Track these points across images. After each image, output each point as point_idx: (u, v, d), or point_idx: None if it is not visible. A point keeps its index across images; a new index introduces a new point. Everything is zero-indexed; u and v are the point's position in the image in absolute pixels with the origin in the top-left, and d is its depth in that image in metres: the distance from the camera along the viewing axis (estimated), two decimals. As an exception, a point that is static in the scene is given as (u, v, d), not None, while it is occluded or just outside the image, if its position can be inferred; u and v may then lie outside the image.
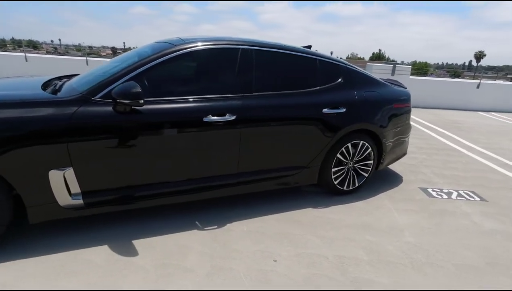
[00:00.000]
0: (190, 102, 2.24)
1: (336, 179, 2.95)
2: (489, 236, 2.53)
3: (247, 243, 2.23)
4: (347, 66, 2.98)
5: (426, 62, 56.54)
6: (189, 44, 2.34)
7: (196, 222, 2.44)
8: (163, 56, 2.21)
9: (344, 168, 2.98)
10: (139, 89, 1.94)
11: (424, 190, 3.33)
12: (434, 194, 3.26)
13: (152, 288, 1.76)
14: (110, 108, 2.02)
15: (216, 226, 2.41)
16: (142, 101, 1.95)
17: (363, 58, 53.99)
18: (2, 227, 1.92)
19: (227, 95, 2.36)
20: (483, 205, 3.08)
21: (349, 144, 2.88)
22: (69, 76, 2.78)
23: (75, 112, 1.95)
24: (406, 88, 3.50)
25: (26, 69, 8.47)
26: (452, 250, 2.31)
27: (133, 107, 2.02)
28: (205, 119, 2.23)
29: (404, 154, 3.55)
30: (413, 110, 7.85)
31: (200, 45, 2.36)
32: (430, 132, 5.98)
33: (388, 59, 52.26)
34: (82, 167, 2.00)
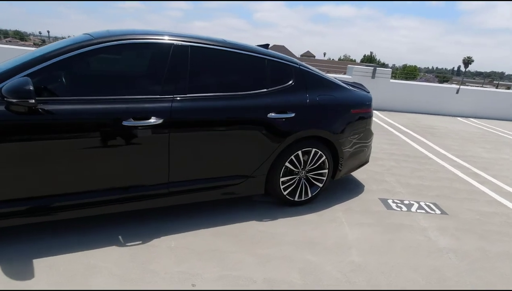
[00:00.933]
0: (106, 102, 1.97)
1: (285, 189, 2.72)
2: (441, 255, 2.34)
3: (169, 262, 1.98)
4: (301, 67, 2.76)
5: (415, 66, 57.09)
6: (113, 37, 2.07)
7: (119, 237, 2.18)
8: (76, 50, 1.94)
9: (295, 177, 2.75)
10: (30, 87, 1.66)
11: (384, 201, 3.14)
12: (393, 205, 3.07)
13: None
14: (3, 107, 1.74)
15: (140, 242, 2.16)
16: (33, 101, 1.68)
17: (355, 60, 54.24)
18: None
19: (154, 96, 2.11)
20: (442, 218, 2.91)
21: (300, 152, 2.66)
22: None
23: (-41, 112, 1.66)
24: (369, 92, 3.31)
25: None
26: (398, 272, 2.11)
27: (31, 107, 1.75)
28: (124, 122, 1.97)
29: (365, 162, 3.35)
30: (390, 114, 7.75)
31: (125, 39, 2.09)
32: (404, 138, 5.83)
33: (379, 62, 52.62)
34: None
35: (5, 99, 1.69)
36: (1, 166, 1.78)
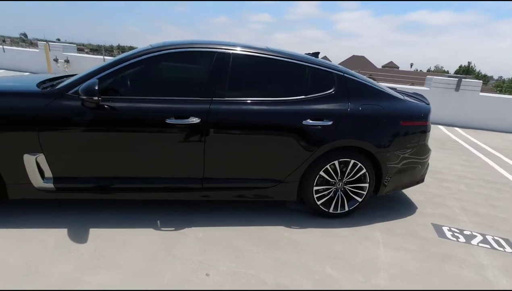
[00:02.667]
0: (154, 102, 2.28)
1: (319, 198, 2.66)
2: (496, 299, 1.96)
3: (192, 251, 2.15)
4: (345, 75, 2.67)
5: (530, 79, 47.35)
6: (165, 47, 2.39)
7: (158, 221, 2.47)
8: (135, 58, 2.31)
9: (330, 188, 2.66)
10: (95, 88, 2.05)
11: (437, 227, 2.76)
12: (448, 234, 2.69)
13: (82, 276, 1.82)
14: (79, 103, 2.18)
15: (173, 228, 2.40)
16: (97, 98, 2.06)
17: (447, 72, 48.09)
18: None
19: (194, 98, 2.33)
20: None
21: (336, 162, 2.56)
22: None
23: (48, 104, 2.15)
24: (428, 104, 2.97)
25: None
26: (430, 306, 1.85)
27: (97, 103, 2.15)
28: (167, 120, 2.25)
29: (419, 181, 3.02)
30: (477, 133, 6.77)
31: (175, 48, 2.39)
32: (487, 160, 4.97)
33: (479, 74, 45.50)
34: (52, 153, 2.20)
35: (80, 96, 2.11)
36: (75, 149, 2.22)
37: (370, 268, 2.15)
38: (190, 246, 2.21)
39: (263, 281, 1.93)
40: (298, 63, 2.60)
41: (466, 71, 49.84)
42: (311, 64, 2.62)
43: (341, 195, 2.70)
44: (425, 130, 2.79)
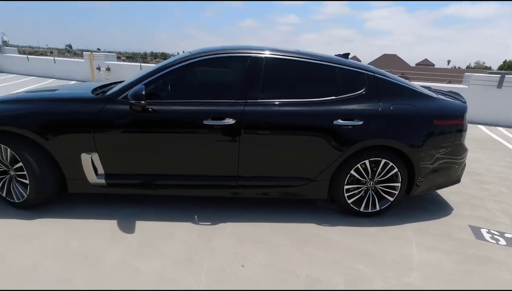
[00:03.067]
0: (193, 105, 2.47)
1: (350, 197, 2.70)
2: (539, 304, 1.89)
3: (228, 244, 2.30)
4: (376, 75, 2.69)
5: None
6: (202, 53, 2.57)
7: (195, 216, 2.65)
8: (175, 65, 2.52)
9: (361, 187, 2.69)
10: (142, 93, 2.27)
11: (475, 229, 2.68)
12: (487, 236, 2.60)
13: (132, 262, 2.04)
14: (127, 107, 2.42)
15: (210, 223, 2.57)
16: (143, 102, 2.29)
17: (490, 68, 44.82)
18: (52, 190, 2.54)
19: (230, 100, 2.49)
20: (559, 263, 2.29)
21: (367, 161, 2.59)
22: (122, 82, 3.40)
23: (103, 109, 2.42)
24: (465, 102, 2.90)
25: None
26: (466, 306, 1.84)
27: (143, 107, 2.38)
28: (205, 121, 2.42)
29: (455, 182, 2.94)
30: None
31: (209, 55, 2.57)
32: (535, 162, 4.64)
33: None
34: (105, 152, 2.47)
35: (129, 101, 2.35)
36: (124, 148, 2.47)
37: (402, 267, 2.16)
38: (226, 239, 2.36)
39: (296, 274, 2.03)
40: (328, 65, 2.66)
41: (511, 66, 46.13)
42: (341, 66, 2.68)
43: (372, 194, 2.72)
44: (461, 130, 2.73)
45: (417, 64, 49.92)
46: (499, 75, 6.80)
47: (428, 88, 3.43)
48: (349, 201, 2.71)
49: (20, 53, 14.78)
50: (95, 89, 2.77)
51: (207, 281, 1.92)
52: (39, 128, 2.36)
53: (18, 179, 2.50)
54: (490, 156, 4.82)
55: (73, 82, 11.45)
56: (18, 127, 2.35)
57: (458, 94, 3.11)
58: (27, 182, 2.46)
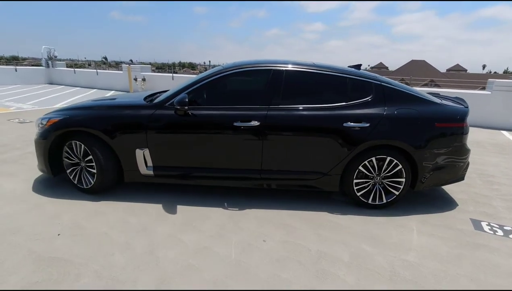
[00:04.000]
0: (225, 110, 3.00)
1: (359, 190, 3.08)
2: (522, 281, 2.17)
3: (253, 225, 2.78)
4: (382, 83, 3.08)
5: None
6: (233, 67, 3.12)
7: (225, 203, 3.16)
8: (211, 77, 3.08)
9: (369, 181, 3.07)
10: (186, 100, 2.85)
11: (475, 222, 2.95)
12: (486, 228, 2.87)
13: (177, 235, 2.56)
14: (172, 112, 3.00)
15: (237, 209, 3.06)
16: (186, 107, 2.86)
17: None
18: (113, 179, 3.16)
19: (255, 106, 2.99)
20: (551, 252, 2.52)
21: (374, 159, 2.97)
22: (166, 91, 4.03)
23: (153, 113, 3.02)
24: (467, 107, 3.19)
25: (171, 85, 11.38)
26: (452, 280, 2.17)
27: (186, 111, 2.95)
28: (235, 123, 2.94)
29: (459, 179, 3.22)
30: None
31: (239, 68, 3.11)
32: (554, 166, 4.70)
33: None
34: (154, 148, 3.05)
35: (175, 107, 2.93)
36: (169, 145, 3.04)
37: (402, 248, 2.51)
38: (251, 221, 2.83)
39: (308, 249, 2.45)
40: (340, 76, 3.10)
41: (556, 71, 43.09)
42: (351, 76, 3.10)
43: (379, 188, 3.08)
44: (462, 132, 3.03)
45: (448, 70, 48.10)
46: (523, 81, 6.78)
47: (437, 94, 3.75)
48: (358, 194, 3.09)
49: (67, 67, 16.43)
50: (146, 97, 3.39)
51: (236, 250, 2.40)
52: (105, 128, 3.00)
53: (88, 169, 3.15)
54: (507, 160, 4.93)
55: (112, 92, 12.62)
56: (90, 128, 3.01)
57: (462, 99, 3.41)
58: (94, 171, 3.10)
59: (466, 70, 50.35)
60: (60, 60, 16.92)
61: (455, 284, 2.12)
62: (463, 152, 3.10)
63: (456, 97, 3.53)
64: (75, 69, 15.12)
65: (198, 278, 2.09)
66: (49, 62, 15.78)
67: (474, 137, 6.46)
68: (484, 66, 75.75)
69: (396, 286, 2.08)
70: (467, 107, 3.19)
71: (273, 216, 2.95)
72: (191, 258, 2.29)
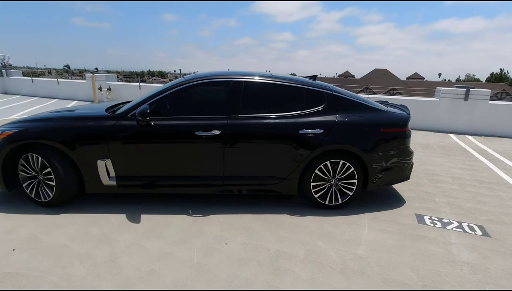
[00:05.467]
0: (187, 120, 3.10)
1: (316, 192, 3.29)
2: (453, 266, 2.47)
3: (215, 229, 2.88)
4: (334, 93, 3.36)
5: None
6: (194, 79, 3.24)
7: (189, 210, 3.23)
8: (173, 88, 3.18)
9: (325, 184, 3.30)
10: (147, 111, 2.92)
11: (419, 217, 3.28)
12: (428, 221, 3.19)
13: (140, 242, 2.60)
14: (135, 122, 3.05)
15: (201, 215, 3.14)
16: (148, 118, 2.93)
17: (478, 80, 46.36)
18: (73, 191, 3.12)
19: (216, 116, 3.13)
20: (480, 239, 2.88)
21: (328, 162, 3.21)
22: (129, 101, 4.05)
23: (115, 124, 3.05)
24: (409, 113, 3.55)
25: (138, 95, 11.19)
26: (395, 268, 2.41)
27: (147, 122, 3.01)
28: (197, 133, 3.05)
29: (405, 179, 3.56)
30: (487, 139, 7.12)
31: (200, 80, 3.24)
32: (490, 164, 5.29)
33: (513, 80, 43.36)
34: (116, 159, 3.07)
35: (136, 118, 2.99)
36: (131, 155, 3.07)
37: (353, 243, 2.74)
38: (214, 226, 2.93)
39: (267, 249, 2.60)
40: (295, 86, 3.33)
41: (499, 78, 47.73)
42: (306, 86, 3.35)
43: (334, 190, 3.32)
44: (404, 136, 3.37)
45: (407, 78, 51.54)
46: (465, 89, 7.55)
47: (385, 102, 4.11)
48: (316, 196, 3.30)
49: (24, 75, 15.54)
50: (108, 108, 3.40)
51: (198, 254, 2.49)
52: (65, 140, 2.97)
53: (46, 182, 3.08)
54: (451, 160, 5.46)
55: (75, 102, 12.14)
56: (48, 140, 2.96)
57: (405, 107, 3.78)
58: (53, 184, 3.04)
59: (423, 78, 54.25)
60: (15, 68, 15.97)
61: (397, 271, 2.37)
62: (407, 153, 3.44)
63: (401, 105, 3.91)
64: (33, 78, 14.35)
65: (159, 282, 2.15)
66: (3, 70, 14.84)
67: (425, 141, 7.06)
68: (439, 75, 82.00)
69: (346, 278, 2.28)
70: (409, 114, 3.56)
71: (235, 220, 3.07)
72: (154, 263, 2.35)
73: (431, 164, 5.22)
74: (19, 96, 13.71)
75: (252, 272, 2.30)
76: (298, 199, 3.58)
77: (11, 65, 15.55)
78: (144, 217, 3.04)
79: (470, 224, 3.15)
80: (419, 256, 2.59)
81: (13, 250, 2.46)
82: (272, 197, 3.59)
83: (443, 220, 3.22)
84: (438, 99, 7.98)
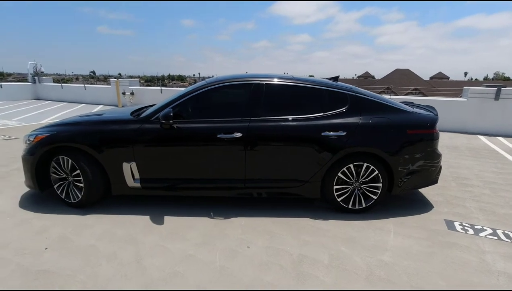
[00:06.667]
0: (209, 123, 3.13)
1: (339, 196, 3.22)
2: (488, 275, 2.33)
3: (237, 232, 2.88)
4: (357, 94, 3.28)
5: None
6: (216, 82, 3.27)
7: (211, 212, 3.25)
8: (195, 92, 3.22)
9: (348, 187, 3.22)
10: (171, 114, 2.97)
11: (449, 223, 3.13)
12: (458, 227, 3.04)
13: (163, 244, 2.64)
14: (158, 125, 3.12)
15: (223, 217, 3.16)
16: (171, 121, 2.99)
17: (509, 78, 43.94)
18: (100, 192, 3.22)
19: (238, 118, 3.14)
20: (516, 247, 2.70)
21: (351, 165, 3.13)
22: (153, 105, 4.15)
23: (140, 127, 3.13)
24: (436, 114, 3.41)
25: (159, 99, 11.48)
26: (424, 277, 2.31)
27: (171, 125, 3.07)
28: (218, 135, 3.07)
29: (432, 182, 3.41)
30: None
31: (222, 83, 3.26)
32: (524, 168, 4.97)
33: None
34: (140, 161, 3.15)
35: (160, 121, 3.05)
36: (155, 158, 3.14)
37: (378, 249, 2.65)
38: (235, 229, 2.94)
39: (290, 253, 2.57)
40: (317, 88, 3.29)
41: (532, 77, 44.98)
42: (328, 88, 3.29)
43: (358, 193, 3.24)
44: (432, 138, 3.24)
45: (431, 78, 49.69)
46: (496, 88, 7.17)
47: (410, 103, 3.98)
48: (339, 199, 3.23)
49: (54, 82, 16.36)
50: (132, 112, 3.50)
51: (220, 257, 2.49)
52: (93, 143, 3.08)
53: (75, 183, 3.21)
54: (481, 163, 5.19)
55: (100, 106, 12.62)
56: (78, 143, 3.09)
57: (433, 107, 3.64)
58: (82, 185, 3.16)
59: (448, 77, 52.11)
60: (46, 75, 16.84)
61: (426, 280, 2.26)
62: (435, 156, 3.30)
63: (427, 105, 3.77)
64: (62, 84, 15.07)
65: (183, 284, 2.17)
66: (36, 77, 15.69)
67: (453, 143, 6.76)
68: (466, 74, 78.55)
69: (372, 285, 2.21)
70: (437, 114, 3.41)
71: (257, 223, 3.06)
72: (177, 265, 2.37)
73: (459, 167, 4.98)
74: (49, 101, 14.45)
75: (274, 276, 2.27)
76: (320, 203, 3.52)
77: (43, 72, 16.40)
78: (167, 219, 3.10)
79: (506, 232, 2.97)
80: (450, 264, 2.46)
81: (46, 248, 2.57)
82: (293, 200, 3.56)
83: (476, 227, 3.05)
84: (465, 100, 7.63)
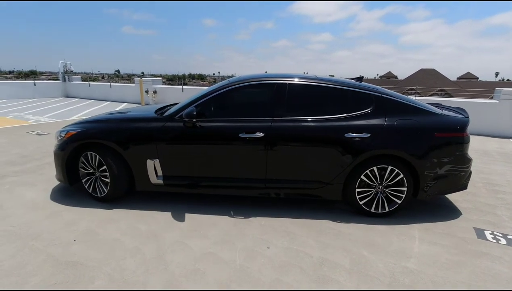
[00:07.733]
0: (231, 122, 3.15)
1: (361, 199, 3.15)
2: (522, 288, 2.20)
3: (256, 232, 2.88)
4: (382, 95, 3.19)
5: None
6: (239, 81, 3.29)
7: (231, 211, 3.27)
8: (218, 91, 3.25)
9: (371, 190, 3.14)
10: (194, 113, 3.02)
11: (479, 231, 2.98)
12: (489, 236, 2.89)
13: (184, 241, 2.69)
14: (181, 124, 3.17)
15: (243, 217, 3.17)
16: (194, 120, 3.03)
17: (546, 79, 41.14)
18: (125, 187, 3.33)
19: (260, 118, 3.14)
20: (554, 260, 2.53)
21: (375, 168, 3.05)
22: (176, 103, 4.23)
23: (163, 125, 3.20)
24: (467, 117, 3.25)
25: (181, 97, 11.69)
26: (452, 286, 2.21)
27: (194, 124, 3.11)
28: (240, 135, 3.08)
29: (461, 188, 3.25)
30: None
31: (244, 82, 3.27)
32: None
33: None
34: (163, 158, 3.22)
35: (183, 119, 3.10)
36: (177, 156, 3.20)
37: (402, 255, 2.57)
38: (255, 228, 2.94)
39: (311, 256, 2.53)
40: (341, 88, 3.22)
41: None
42: (352, 88, 3.22)
43: (381, 197, 3.15)
44: (462, 141, 3.09)
45: (458, 78, 47.45)
46: (532, 90, 6.74)
47: (439, 104, 3.82)
48: (361, 202, 3.16)
49: (83, 80, 17.08)
50: (157, 110, 3.59)
51: (240, 256, 2.51)
52: (119, 140, 3.19)
53: (102, 178, 3.33)
54: (515, 169, 4.90)
55: (124, 104, 13.03)
56: (105, 140, 3.20)
57: (463, 109, 3.47)
58: (108, 181, 3.28)
59: (477, 78, 49.56)
60: (75, 74, 17.61)
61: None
62: (465, 161, 3.15)
63: (457, 107, 3.60)
64: (90, 82, 15.71)
65: (203, 281, 2.20)
66: (66, 76, 16.45)
67: (483, 147, 6.43)
68: (497, 74, 74.36)
69: (395, 292, 2.14)
70: (468, 117, 3.25)
71: (276, 223, 3.05)
72: (197, 262, 2.41)
73: (490, 173, 4.73)
74: (78, 99, 15.10)
75: (294, 278, 2.26)
76: (341, 205, 3.46)
77: (72, 71, 17.17)
78: (188, 216, 3.15)
79: (542, 243, 2.79)
80: (480, 275, 2.34)
81: (74, 240, 2.68)
82: (314, 201, 3.51)
83: (508, 236, 2.89)
84: (497, 101, 7.23)
